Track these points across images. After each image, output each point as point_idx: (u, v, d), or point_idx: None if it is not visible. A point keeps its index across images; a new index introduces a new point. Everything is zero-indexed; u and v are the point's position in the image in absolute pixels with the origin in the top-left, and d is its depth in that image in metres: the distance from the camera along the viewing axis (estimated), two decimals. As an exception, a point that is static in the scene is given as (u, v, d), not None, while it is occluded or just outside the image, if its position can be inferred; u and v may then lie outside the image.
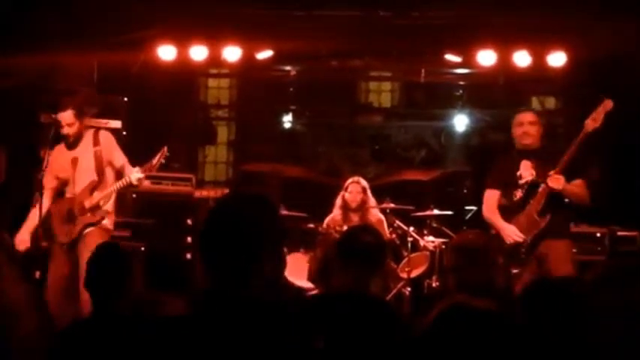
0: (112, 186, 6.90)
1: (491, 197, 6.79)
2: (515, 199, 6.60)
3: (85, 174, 6.89)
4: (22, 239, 6.80)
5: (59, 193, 7.01)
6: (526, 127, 6.64)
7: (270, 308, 2.46)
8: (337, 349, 3.44)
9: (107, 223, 6.96)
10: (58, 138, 6.93)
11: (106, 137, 7.03)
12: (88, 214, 6.83)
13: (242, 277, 2.49)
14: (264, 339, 2.37)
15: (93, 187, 6.87)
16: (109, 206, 6.97)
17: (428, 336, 2.13)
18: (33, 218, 6.80)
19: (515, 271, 6.44)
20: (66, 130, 6.84)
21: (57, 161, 6.94)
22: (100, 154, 6.90)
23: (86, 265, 4.16)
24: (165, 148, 6.92)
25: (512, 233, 6.48)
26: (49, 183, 6.96)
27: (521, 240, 6.43)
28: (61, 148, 6.98)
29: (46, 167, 6.87)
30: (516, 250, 6.44)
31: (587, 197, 6.47)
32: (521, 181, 6.56)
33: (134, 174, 6.83)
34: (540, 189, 6.40)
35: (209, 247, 2.57)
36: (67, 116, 6.84)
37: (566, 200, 6.45)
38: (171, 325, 2.48)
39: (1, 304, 2.15)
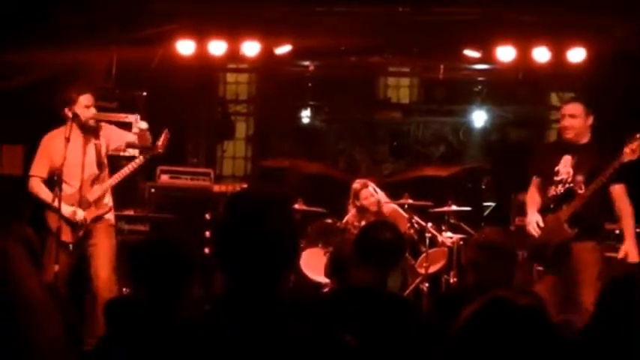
0: (110, 179, 6.82)
1: (534, 183, 6.39)
2: (548, 194, 6.19)
3: (87, 166, 6.71)
4: (70, 210, 6.59)
5: (47, 181, 6.72)
6: (567, 120, 6.12)
7: (297, 309, 2.40)
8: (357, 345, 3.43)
9: (111, 217, 6.90)
10: (61, 120, 6.71)
11: (107, 128, 6.94)
12: (93, 208, 6.74)
13: (269, 279, 2.43)
14: (296, 340, 2.32)
15: (93, 180, 6.77)
16: (109, 200, 6.89)
17: (467, 331, 2.09)
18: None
19: (539, 268, 6.31)
20: (81, 112, 6.65)
21: (53, 147, 6.70)
22: (100, 147, 6.78)
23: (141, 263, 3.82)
24: (167, 130, 6.91)
25: (531, 225, 6.19)
26: (40, 170, 6.73)
27: (535, 235, 6.15)
28: (58, 134, 6.71)
29: (38, 152, 6.74)
30: (542, 250, 6.15)
31: (627, 203, 6.03)
32: (557, 178, 6.12)
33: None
34: (575, 200, 6.00)
35: (229, 251, 2.48)
36: (85, 99, 6.70)
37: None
38: (197, 327, 2.41)
39: (18, 299, 2.08)
